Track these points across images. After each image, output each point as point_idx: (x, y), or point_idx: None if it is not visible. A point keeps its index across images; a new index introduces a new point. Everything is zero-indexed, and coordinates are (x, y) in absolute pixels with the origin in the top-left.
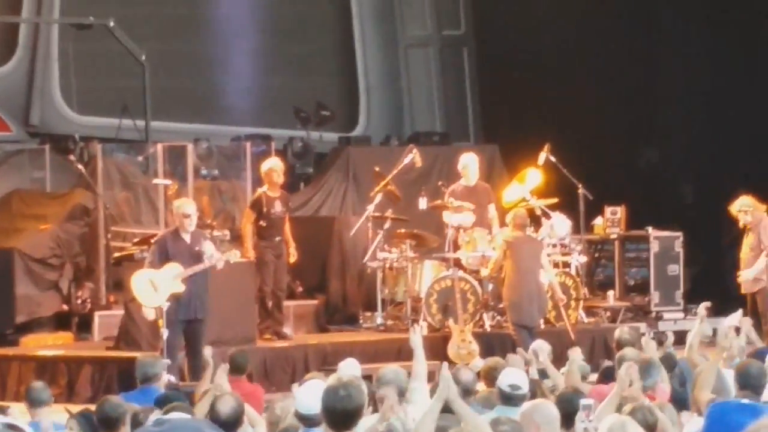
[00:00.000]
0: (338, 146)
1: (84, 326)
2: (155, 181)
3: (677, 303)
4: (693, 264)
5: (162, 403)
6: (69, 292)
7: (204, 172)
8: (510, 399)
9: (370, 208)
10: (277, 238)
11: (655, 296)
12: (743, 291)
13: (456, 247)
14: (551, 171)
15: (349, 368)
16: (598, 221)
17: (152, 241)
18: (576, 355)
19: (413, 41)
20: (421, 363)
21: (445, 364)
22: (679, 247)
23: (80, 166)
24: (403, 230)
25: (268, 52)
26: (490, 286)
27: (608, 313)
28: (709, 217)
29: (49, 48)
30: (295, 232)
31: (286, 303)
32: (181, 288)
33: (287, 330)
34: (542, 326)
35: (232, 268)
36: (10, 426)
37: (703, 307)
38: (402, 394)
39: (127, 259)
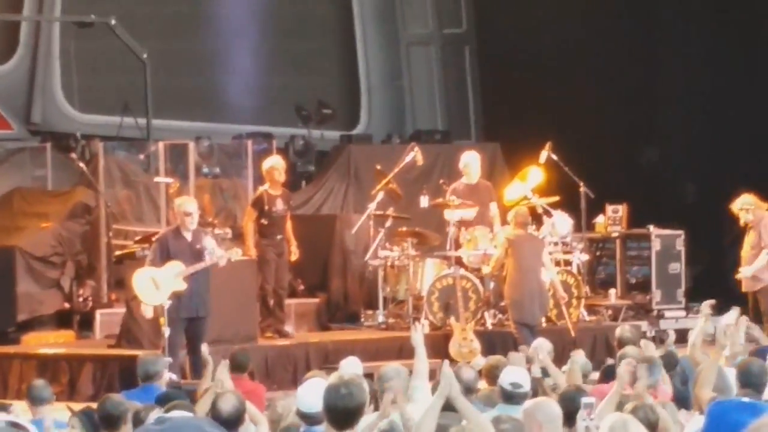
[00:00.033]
0: (340, 144)
1: (85, 324)
2: (156, 179)
3: (679, 301)
4: (694, 262)
5: (163, 401)
6: (70, 290)
7: (205, 170)
8: (512, 397)
9: (372, 207)
10: (279, 237)
11: (656, 294)
12: (744, 289)
13: (457, 245)
14: (553, 169)
15: (351, 366)
16: (600, 219)
17: (153, 239)
18: (578, 357)
19: (414, 39)
20: (422, 361)
21: (447, 362)
22: (680, 246)
23: (82, 164)
24: (404, 228)
25: (270, 51)
26: (492, 285)
27: (610, 312)
28: (710, 216)
29: (51, 46)
30: (296, 231)
31: (288, 301)
32: (182, 286)
33: (288, 328)
34: (543, 324)
35: (233, 266)
36: (14, 424)
37: (707, 305)
38: (403, 392)
39: (129, 258)
